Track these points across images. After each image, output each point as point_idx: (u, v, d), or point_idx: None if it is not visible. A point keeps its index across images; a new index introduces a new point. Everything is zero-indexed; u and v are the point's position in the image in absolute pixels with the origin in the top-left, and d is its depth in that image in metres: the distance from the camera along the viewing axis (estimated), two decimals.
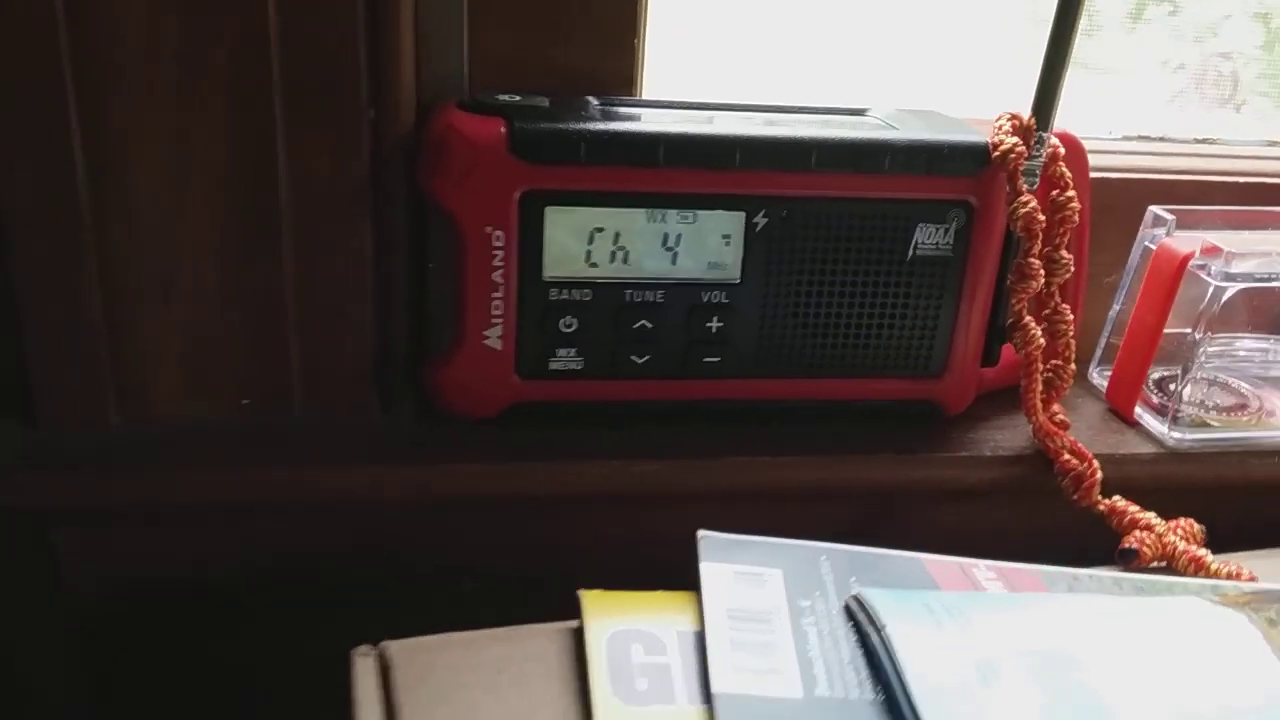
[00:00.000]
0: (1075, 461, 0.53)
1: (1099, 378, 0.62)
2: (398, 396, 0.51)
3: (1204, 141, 0.68)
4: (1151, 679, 0.39)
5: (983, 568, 0.45)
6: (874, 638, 0.39)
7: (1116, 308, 0.61)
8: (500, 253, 0.48)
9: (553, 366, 0.50)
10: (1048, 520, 0.53)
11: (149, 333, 0.48)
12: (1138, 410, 0.58)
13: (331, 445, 0.50)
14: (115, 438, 0.49)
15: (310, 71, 0.44)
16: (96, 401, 0.48)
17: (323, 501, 0.50)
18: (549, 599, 0.41)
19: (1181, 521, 0.52)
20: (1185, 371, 0.57)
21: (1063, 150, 0.52)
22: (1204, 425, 0.58)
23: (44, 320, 0.46)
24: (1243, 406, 0.60)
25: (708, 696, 0.37)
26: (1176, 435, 0.56)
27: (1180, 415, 0.57)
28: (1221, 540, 0.52)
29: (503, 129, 0.46)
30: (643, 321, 0.50)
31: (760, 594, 0.41)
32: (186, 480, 0.48)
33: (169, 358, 0.48)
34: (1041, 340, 0.52)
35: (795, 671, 0.38)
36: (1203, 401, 0.60)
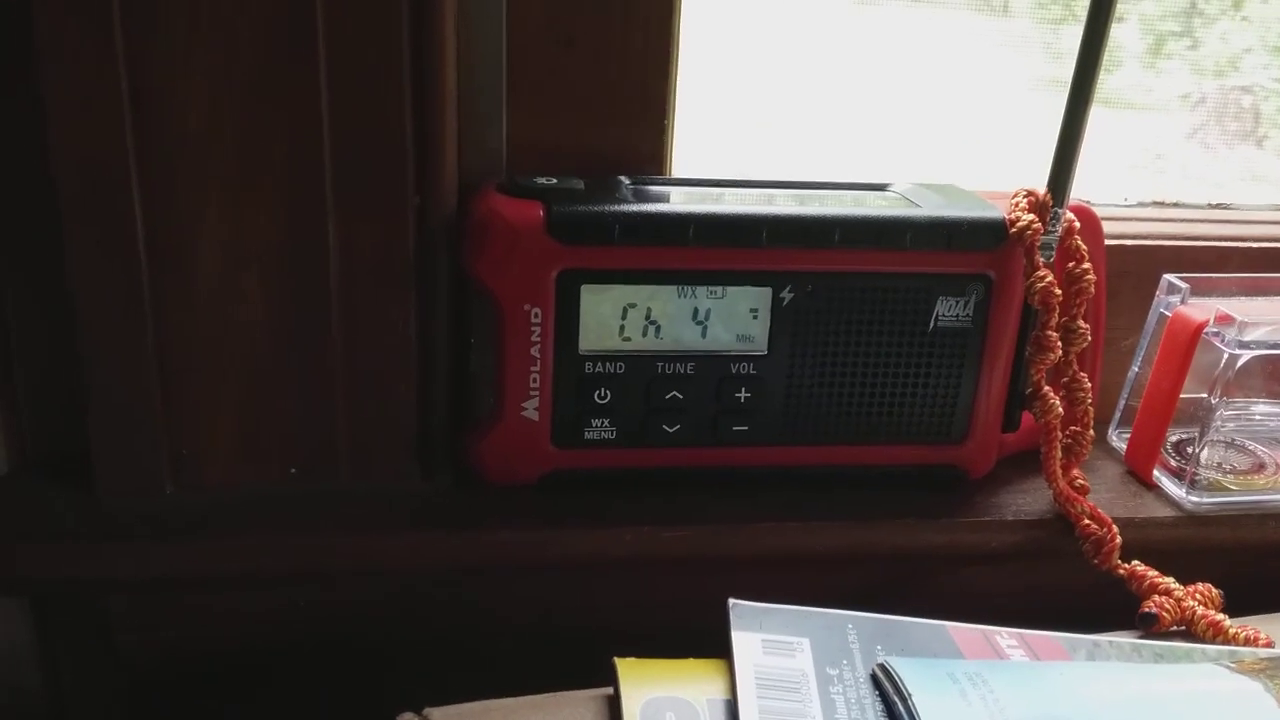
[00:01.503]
0: (1095, 526, 0.54)
1: (1118, 439, 0.63)
2: (439, 464, 0.53)
3: (1218, 206, 0.70)
4: None
5: (1005, 635, 0.46)
6: (899, 707, 0.40)
7: (1134, 370, 0.62)
8: (538, 329, 0.50)
9: (588, 436, 0.52)
10: (1068, 582, 0.55)
11: (202, 404, 0.50)
12: (1156, 473, 0.59)
13: (375, 512, 0.51)
14: (168, 506, 0.50)
15: (360, 162, 0.47)
16: (151, 471, 0.50)
17: (367, 567, 0.52)
18: (584, 658, 0.43)
19: (1200, 586, 0.53)
20: (1202, 435, 0.58)
21: (1078, 224, 0.54)
22: (1221, 489, 0.59)
23: (105, 393, 0.48)
24: (1259, 468, 0.61)
25: None
26: (1194, 499, 0.57)
27: (1198, 479, 0.58)
28: (1240, 601, 0.53)
29: (541, 212, 0.48)
30: (674, 392, 0.52)
31: (789, 663, 0.43)
32: (235, 548, 0.50)
33: (221, 428, 0.50)
34: (1060, 410, 0.54)
35: None
36: (1220, 464, 0.61)
